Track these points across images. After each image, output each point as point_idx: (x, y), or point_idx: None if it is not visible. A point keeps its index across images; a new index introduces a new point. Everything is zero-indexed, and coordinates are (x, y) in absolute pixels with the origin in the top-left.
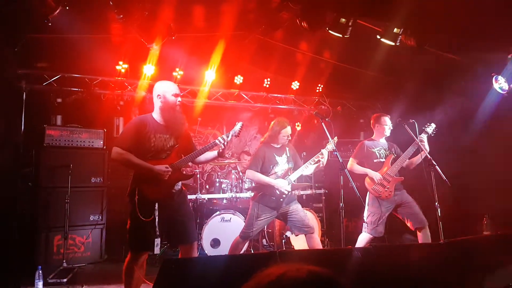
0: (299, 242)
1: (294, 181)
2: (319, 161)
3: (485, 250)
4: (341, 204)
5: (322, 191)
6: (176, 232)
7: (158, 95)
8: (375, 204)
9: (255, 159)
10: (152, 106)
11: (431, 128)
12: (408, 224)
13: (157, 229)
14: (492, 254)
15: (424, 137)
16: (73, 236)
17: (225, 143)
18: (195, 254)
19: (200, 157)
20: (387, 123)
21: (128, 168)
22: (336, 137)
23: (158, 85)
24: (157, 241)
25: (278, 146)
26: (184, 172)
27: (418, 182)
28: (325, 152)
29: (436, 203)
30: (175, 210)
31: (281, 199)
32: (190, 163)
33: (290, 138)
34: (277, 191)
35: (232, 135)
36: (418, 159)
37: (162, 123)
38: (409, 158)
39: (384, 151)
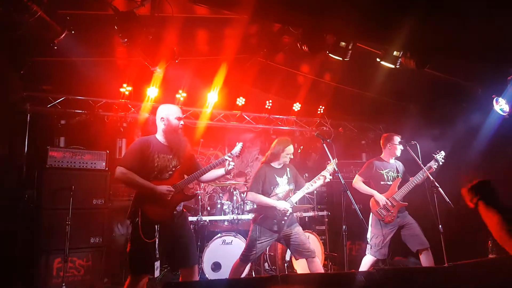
0: (302, 266)
1: (295, 202)
2: (319, 179)
3: (491, 274)
4: (343, 227)
5: (324, 213)
6: (177, 254)
7: (162, 117)
8: (378, 226)
9: (256, 180)
10: (155, 128)
11: (440, 155)
12: (410, 246)
13: (157, 251)
14: (498, 277)
15: (434, 165)
16: (73, 259)
17: (232, 161)
18: (196, 277)
19: (206, 175)
20: (398, 142)
21: (131, 187)
22: (336, 159)
23: (161, 108)
24: (157, 264)
25: (279, 166)
26: (186, 193)
27: (421, 204)
28: (326, 173)
29: (440, 226)
30: (176, 232)
31: (283, 222)
32: (191, 183)
33: (292, 157)
34: (278, 213)
35: (233, 156)
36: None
37: (165, 144)
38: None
39: (392, 173)
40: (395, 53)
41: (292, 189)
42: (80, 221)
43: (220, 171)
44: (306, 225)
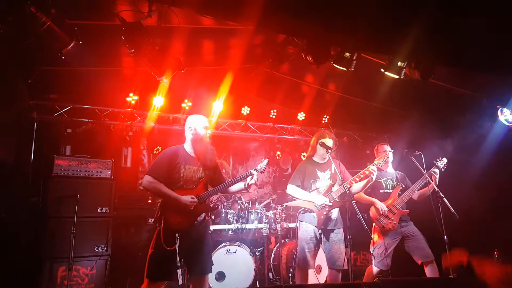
0: None
1: (336, 198)
2: (366, 176)
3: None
4: (348, 237)
5: None
6: (191, 263)
7: (190, 127)
8: (380, 236)
9: (296, 174)
10: (161, 137)
11: (442, 162)
12: (414, 258)
13: (178, 259)
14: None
15: (436, 171)
16: (78, 267)
17: (256, 178)
18: (206, 286)
19: (232, 188)
20: (384, 149)
21: (156, 196)
22: (389, 153)
23: (189, 118)
24: (179, 272)
25: (322, 161)
26: (209, 205)
27: (426, 215)
28: (372, 167)
29: (445, 236)
30: (194, 241)
31: (322, 216)
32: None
33: (330, 151)
34: (317, 207)
35: (258, 171)
36: (428, 191)
37: (193, 154)
38: (418, 190)
39: (391, 181)
40: (399, 63)
41: (335, 184)
42: (85, 230)
43: (241, 185)
44: None
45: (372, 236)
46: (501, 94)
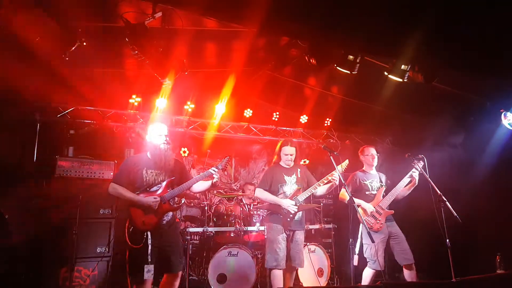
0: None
1: (302, 201)
2: (330, 181)
3: None
4: (350, 240)
5: (331, 226)
6: (163, 261)
7: (148, 136)
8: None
9: (263, 178)
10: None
11: (420, 164)
12: (397, 260)
13: (149, 257)
14: None
15: (415, 173)
16: (79, 268)
17: (216, 175)
18: (176, 283)
19: (195, 187)
20: (371, 153)
21: (121, 199)
22: (347, 160)
23: (149, 128)
24: (148, 267)
25: (288, 166)
26: (172, 204)
27: (428, 218)
28: (335, 173)
29: (447, 240)
30: (165, 240)
31: (288, 219)
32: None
33: (290, 157)
34: (283, 210)
35: (219, 169)
36: (405, 192)
37: (152, 160)
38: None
39: (376, 183)
40: (403, 66)
41: (301, 188)
42: (87, 231)
43: (207, 183)
44: (313, 238)
45: (358, 238)
46: (504, 97)
